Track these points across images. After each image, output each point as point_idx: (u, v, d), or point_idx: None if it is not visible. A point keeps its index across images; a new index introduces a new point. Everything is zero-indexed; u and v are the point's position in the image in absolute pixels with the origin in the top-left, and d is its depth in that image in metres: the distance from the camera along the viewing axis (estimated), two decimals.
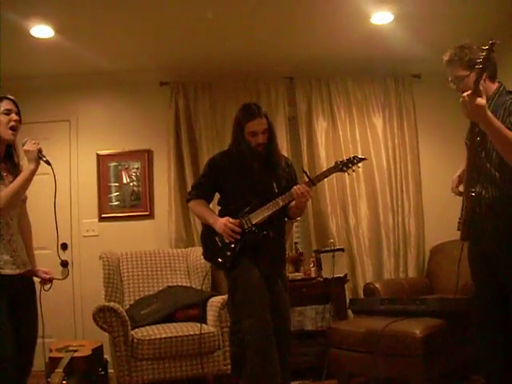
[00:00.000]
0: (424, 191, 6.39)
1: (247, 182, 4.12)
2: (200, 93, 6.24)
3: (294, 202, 4.04)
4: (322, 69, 6.35)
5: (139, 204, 6.22)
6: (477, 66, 3.10)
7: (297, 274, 5.77)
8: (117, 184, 6.24)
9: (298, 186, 3.96)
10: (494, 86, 3.50)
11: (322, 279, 5.63)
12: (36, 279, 3.63)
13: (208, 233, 4.19)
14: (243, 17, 5.25)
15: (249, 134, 4.05)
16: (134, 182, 6.24)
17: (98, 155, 6.23)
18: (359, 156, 4.18)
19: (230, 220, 4.02)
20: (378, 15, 5.28)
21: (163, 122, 6.21)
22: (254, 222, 4.03)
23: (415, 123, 6.49)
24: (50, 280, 3.70)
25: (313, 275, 5.75)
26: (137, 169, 6.25)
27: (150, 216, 6.21)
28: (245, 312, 3.95)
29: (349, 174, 4.29)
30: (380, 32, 5.55)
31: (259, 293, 3.96)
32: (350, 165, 4.11)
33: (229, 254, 4.06)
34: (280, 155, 4.29)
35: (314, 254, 5.92)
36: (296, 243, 6.13)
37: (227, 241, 4.04)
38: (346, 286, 5.73)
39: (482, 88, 3.11)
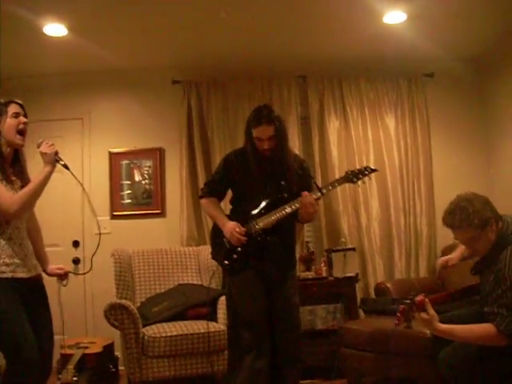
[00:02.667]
0: (436, 191, 6.36)
1: (256, 183, 4.12)
2: (212, 91, 6.25)
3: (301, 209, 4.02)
4: (334, 68, 6.34)
5: (151, 202, 6.24)
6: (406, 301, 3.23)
7: (308, 273, 5.77)
8: (129, 182, 6.26)
9: (305, 193, 3.96)
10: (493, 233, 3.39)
11: (333, 278, 5.62)
12: (52, 278, 3.64)
13: (217, 233, 4.21)
14: (256, 16, 5.26)
15: (255, 138, 4.05)
16: (146, 180, 6.26)
17: (110, 153, 6.25)
18: (371, 167, 4.20)
19: (238, 228, 4.02)
20: (390, 14, 5.27)
21: (175, 120, 6.22)
22: (261, 227, 4.03)
23: (428, 123, 6.46)
24: (66, 274, 3.70)
25: (324, 274, 5.74)
26: (149, 167, 6.26)
27: (162, 214, 6.23)
28: (242, 321, 4.05)
29: (359, 186, 4.28)
30: (393, 31, 5.55)
31: (258, 305, 4.03)
32: (361, 176, 4.12)
33: (235, 256, 4.08)
34: (291, 159, 4.21)
35: (325, 253, 5.91)
36: (307, 242, 6.12)
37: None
38: (357, 285, 5.73)
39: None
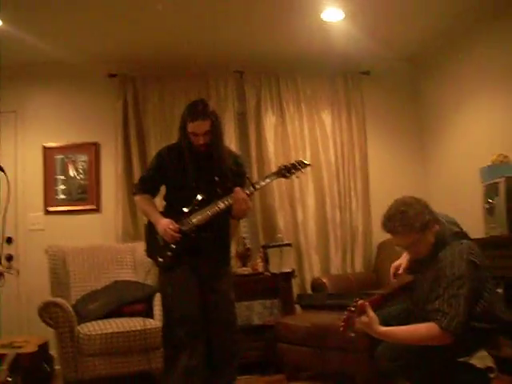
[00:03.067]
0: (371, 188, 6.46)
1: (190, 179, 4.10)
2: (149, 86, 6.17)
3: (235, 206, 4.03)
4: (271, 64, 6.35)
5: (86, 198, 6.13)
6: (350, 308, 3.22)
7: (244, 268, 5.79)
8: (63, 177, 6.13)
9: (238, 189, 3.97)
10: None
11: (269, 274, 5.65)
12: None
13: (151, 230, 4.19)
14: (193, 11, 5.22)
15: (190, 133, 4.02)
16: (81, 176, 6.14)
17: (44, 147, 6.10)
18: (304, 161, 4.21)
19: (171, 225, 4.00)
20: (328, 11, 5.29)
21: (111, 115, 6.13)
22: (195, 223, 4.02)
23: (363, 120, 6.55)
24: (2, 274, 3.61)
25: (260, 270, 5.77)
26: (84, 162, 6.15)
27: (97, 210, 6.13)
28: (176, 319, 4.04)
29: (293, 180, 4.32)
30: (330, 28, 5.58)
31: (192, 302, 4.03)
32: (294, 170, 4.14)
33: (169, 254, 4.07)
34: (225, 154, 4.22)
35: (261, 249, 5.94)
36: (243, 238, 6.13)
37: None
38: (293, 281, 5.76)
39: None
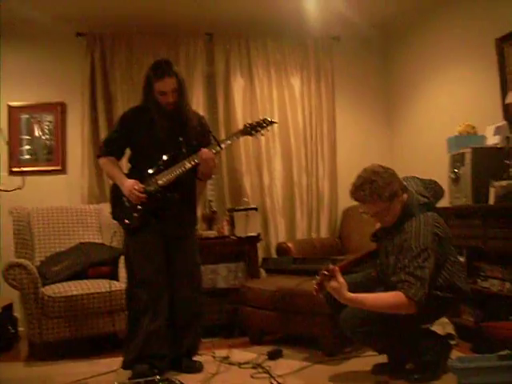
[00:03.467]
0: (338, 154, 6.47)
1: (156, 140, 4.13)
2: (117, 45, 6.05)
3: (201, 165, 4.08)
4: (241, 27, 6.27)
5: (51, 158, 6.04)
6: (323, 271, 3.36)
7: (210, 232, 5.81)
8: (28, 137, 6.03)
9: (204, 149, 4.01)
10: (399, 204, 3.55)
11: (235, 238, 5.66)
12: None
13: (116, 192, 4.21)
14: None
15: (158, 93, 4.04)
16: (47, 136, 6.05)
17: (9, 106, 5.98)
18: (269, 119, 4.23)
19: (136, 186, 4.03)
20: None
21: (78, 75, 6.00)
22: (160, 184, 4.06)
23: (332, 85, 6.53)
24: None
25: (226, 233, 5.79)
26: (49, 122, 6.05)
27: (63, 171, 6.05)
28: (139, 281, 4.12)
29: (257, 138, 4.40)
30: None
31: (155, 265, 4.12)
32: (259, 128, 4.18)
33: (135, 215, 4.10)
34: (191, 114, 4.28)
35: (227, 213, 5.95)
36: (210, 201, 6.14)
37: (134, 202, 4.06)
38: (258, 244, 5.80)
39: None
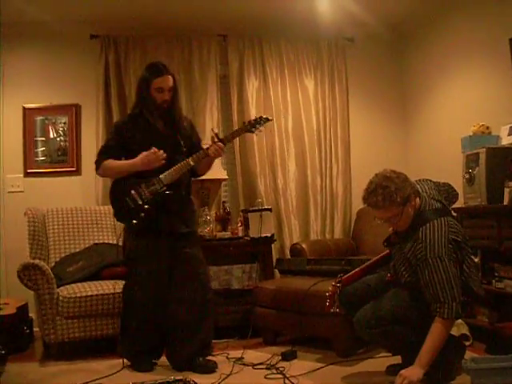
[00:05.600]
0: (352, 155, 6.46)
1: (154, 142, 4.22)
2: (131, 47, 6.08)
3: (204, 161, 4.29)
4: (255, 27, 6.29)
5: (66, 160, 6.07)
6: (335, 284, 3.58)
7: (224, 232, 5.80)
8: (43, 139, 6.05)
9: (214, 146, 4.19)
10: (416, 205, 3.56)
11: (249, 239, 5.65)
12: None
13: (118, 194, 4.28)
14: None
15: (155, 90, 4.21)
16: (61, 137, 6.08)
17: (24, 108, 6.02)
18: (264, 116, 4.39)
19: (151, 151, 4.14)
20: None
21: (92, 76, 6.04)
22: (165, 182, 4.17)
23: (346, 86, 6.52)
24: None
25: (240, 234, 5.78)
26: (64, 123, 6.08)
27: (77, 172, 6.08)
28: (135, 284, 4.32)
29: (256, 135, 4.62)
30: None
31: (150, 269, 4.26)
32: (258, 125, 4.35)
33: (142, 215, 4.17)
34: (182, 115, 4.49)
35: (241, 214, 5.94)
36: (224, 202, 6.14)
37: (139, 202, 4.16)
38: (272, 245, 5.78)
39: None
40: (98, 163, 4.39)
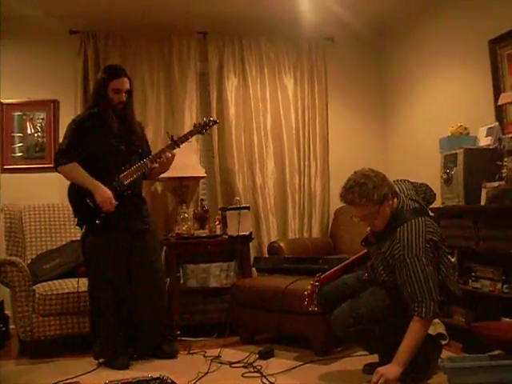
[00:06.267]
0: (331, 154, 6.47)
1: (111, 141, 4.39)
2: (111, 44, 6.03)
3: (157, 165, 4.48)
4: (235, 25, 6.26)
5: (44, 156, 6.01)
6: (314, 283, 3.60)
7: (202, 231, 5.80)
8: (21, 134, 6.00)
9: (167, 151, 4.44)
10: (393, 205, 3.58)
11: (227, 237, 5.64)
12: None
13: (78, 196, 4.39)
14: None
15: (112, 91, 4.39)
16: (39, 133, 6.03)
17: (1, 103, 5.96)
18: (213, 119, 4.68)
19: (112, 199, 4.27)
20: None
21: (71, 72, 5.98)
22: (126, 183, 4.35)
23: (326, 86, 6.53)
24: None
25: (218, 232, 5.78)
26: (42, 119, 6.03)
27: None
28: (99, 282, 4.42)
29: (203, 134, 4.86)
30: None
31: (112, 266, 4.40)
32: (208, 127, 4.64)
33: (103, 215, 4.30)
34: (136, 118, 4.70)
35: (219, 212, 5.94)
36: (202, 200, 6.13)
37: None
38: (250, 244, 5.78)
39: None
40: (62, 162, 4.41)
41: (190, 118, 6.12)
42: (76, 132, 4.41)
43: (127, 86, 4.45)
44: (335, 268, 3.95)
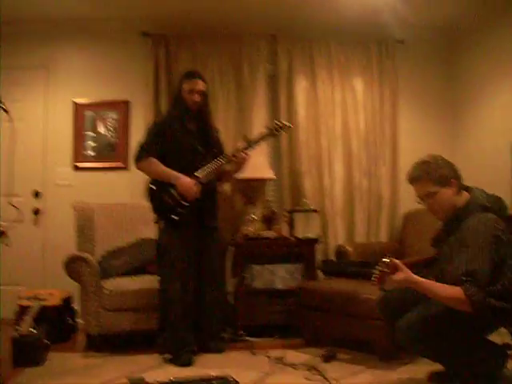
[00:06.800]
0: (400, 157, 6.37)
1: (187, 142, 4.60)
2: (181, 45, 6.12)
3: (231, 166, 4.68)
4: (305, 28, 6.25)
5: (114, 155, 6.15)
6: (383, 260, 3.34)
7: (269, 232, 5.78)
8: (93, 134, 6.16)
9: (242, 152, 4.58)
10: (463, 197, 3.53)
11: (294, 239, 5.64)
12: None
13: (156, 192, 4.57)
14: None
15: (186, 92, 4.60)
16: (111, 133, 6.17)
17: (74, 103, 6.13)
18: (285, 123, 4.76)
19: (195, 185, 4.46)
20: None
21: (143, 74, 6.09)
22: (202, 180, 4.51)
23: (396, 89, 6.43)
24: (3, 233, 3.64)
25: (285, 234, 5.77)
26: (114, 119, 6.17)
27: (125, 168, 6.13)
28: (171, 276, 4.54)
29: (278, 137, 5.31)
30: None
31: (184, 264, 4.55)
32: (281, 130, 4.73)
33: (181, 210, 4.48)
34: (212, 121, 4.91)
35: (287, 214, 5.93)
36: (269, 201, 6.12)
37: (179, 198, 4.47)
38: (317, 246, 5.75)
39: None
40: (141, 157, 4.63)
41: (258, 120, 6.14)
42: (155, 132, 4.66)
43: (200, 87, 4.63)
44: (404, 260, 3.89)
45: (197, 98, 4.62)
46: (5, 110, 3.31)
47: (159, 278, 4.65)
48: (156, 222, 4.74)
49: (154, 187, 4.60)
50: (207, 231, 4.71)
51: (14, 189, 5.39)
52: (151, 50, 6.08)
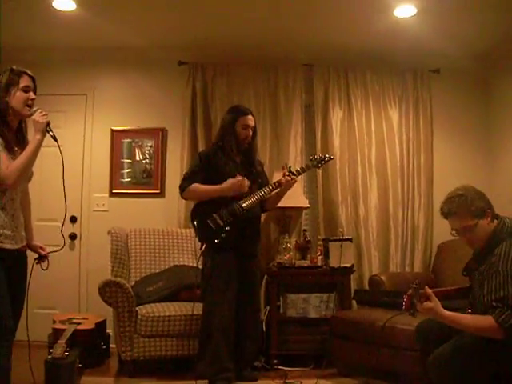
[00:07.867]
0: (435, 187, 6.33)
1: (233, 171, 4.67)
2: (218, 74, 6.21)
3: (275, 193, 4.77)
4: (341, 58, 6.30)
5: (150, 182, 6.23)
6: (413, 285, 3.29)
7: (303, 261, 5.78)
8: (129, 160, 6.24)
9: (287, 176, 4.67)
10: (491, 225, 3.47)
11: (328, 268, 5.62)
12: (32, 255, 3.62)
13: (201, 218, 4.62)
14: (262, 3, 5.24)
15: (240, 127, 4.72)
16: (147, 160, 6.24)
17: (112, 131, 6.24)
18: (330, 156, 5.02)
19: (239, 177, 4.60)
20: (401, 8, 5.23)
21: (179, 102, 6.19)
22: (244, 207, 4.58)
23: (431, 118, 6.43)
24: (46, 257, 3.68)
25: (319, 263, 5.74)
26: (150, 146, 6.25)
27: (161, 194, 6.21)
28: (217, 299, 4.55)
29: (318, 168, 5.34)
30: (402, 25, 5.51)
31: (230, 286, 4.57)
32: (323, 162, 4.94)
33: (223, 235, 4.53)
34: (257, 155, 5.11)
35: (321, 243, 5.91)
36: (304, 230, 6.11)
37: (221, 223, 4.53)
38: (351, 276, 5.72)
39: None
40: (184, 186, 4.72)
41: (294, 149, 6.20)
42: (200, 162, 4.76)
43: (253, 123, 4.80)
44: (435, 290, 3.85)
45: (250, 133, 4.78)
46: (54, 138, 3.36)
47: (204, 302, 4.65)
48: (200, 249, 4.74)
49: (197, 213, 4.68)
50: (248, 258, 4.75)
51: (51, 214, 5.45)
52: (188, 78, 6.17)
